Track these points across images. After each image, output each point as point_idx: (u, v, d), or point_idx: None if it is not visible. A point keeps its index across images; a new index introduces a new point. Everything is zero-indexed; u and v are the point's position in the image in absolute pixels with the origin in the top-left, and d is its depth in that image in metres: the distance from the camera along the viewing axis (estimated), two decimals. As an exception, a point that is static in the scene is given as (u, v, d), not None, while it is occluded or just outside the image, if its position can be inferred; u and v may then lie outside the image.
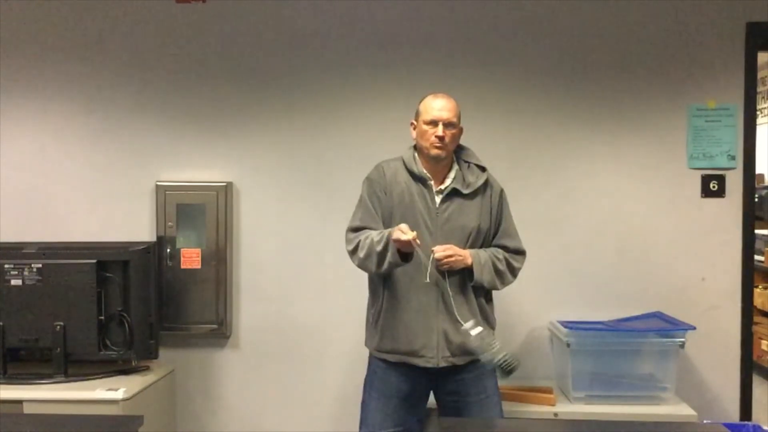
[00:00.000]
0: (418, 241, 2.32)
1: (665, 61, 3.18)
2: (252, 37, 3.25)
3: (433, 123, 2.48)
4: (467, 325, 2.40)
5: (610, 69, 3.19)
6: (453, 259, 2.43)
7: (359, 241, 2.48)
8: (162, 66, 3.26)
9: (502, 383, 2.65)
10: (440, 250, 2.43)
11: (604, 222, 3.21)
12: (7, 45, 3.26)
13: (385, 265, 2.40)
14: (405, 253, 2.38)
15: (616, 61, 3.19)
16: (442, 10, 3.20)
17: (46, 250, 2.89)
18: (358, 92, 3.24)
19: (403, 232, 2.31)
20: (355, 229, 2.55)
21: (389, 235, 2.37)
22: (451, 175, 2.55)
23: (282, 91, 3.25)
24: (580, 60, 3.20)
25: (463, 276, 2.48)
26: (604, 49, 3.19)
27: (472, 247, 2.52)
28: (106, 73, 3.26)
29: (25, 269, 2.83)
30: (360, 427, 2.61)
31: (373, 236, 2.44)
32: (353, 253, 2.51)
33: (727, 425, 2.18)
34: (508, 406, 2.71)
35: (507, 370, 2.39)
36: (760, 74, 3.80)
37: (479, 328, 2.39)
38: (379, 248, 2.40)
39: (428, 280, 2.43)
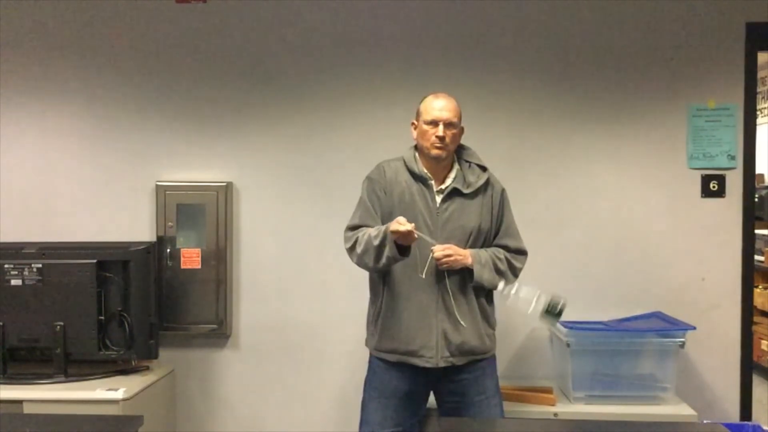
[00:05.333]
0: (415, 234, 2.33)
1: (665, 61, 3.18)
2: (252, 37, 3.25)
3: (434, 123, 2.48)
4: (500, 289, 2.41)
5: (611, 69, 3.19)
6: (452, 258, 2.43)
7: (357, 238, 2.48)
8: (162, 66, 3.26)
9: (503, 381, 2.65)
10: (440, 250, 2.43)
11: (604, 222, 3.20)
12: (7, 45, 3.26)
13: (383, 260, 2.39)
14: (403, 247, 2.37)
15: (617, 61, 3.19)
16: (442, 10, 3.20)
17: (46, 250, 2.89)
18: (358, 92, 3.24)
19: (401, 224, 2.31)
20: (353, 228, 2.55)
21: (387, 229, 2.37)
22: (452, 174, 2.55)
23: (282, 91, 3.25)
24: (580, 60, 3.20)
25: (463, 276, 2.48)
26: (604, 49, 3.19)
27: (472, 246, 2.52)
28: (106, 73, 3.26)
29: (25, 269, 2.83)
30: (360, 427, 2.60)
31: (371, 232, 2.44)
32: (351, 250, 2.51)
33: (727, 425, 2.18)
34: (508, 406, 2.71)
35: (555, 314, 2.38)
36: (760, 74, 3.80)
37: (511, 288, 2.40)
38: (376, 242, 2.39)
39: (422, 275, 2.43)
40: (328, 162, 3.25)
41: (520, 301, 2.40)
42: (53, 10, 3.25)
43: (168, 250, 3.20)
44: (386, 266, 2.44)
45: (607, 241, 3.20)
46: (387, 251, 2.37)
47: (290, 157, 3.26)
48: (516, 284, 2.42)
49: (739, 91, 3.17)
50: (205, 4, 3.23)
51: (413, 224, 2.32)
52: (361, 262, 2.49)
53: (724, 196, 3.17)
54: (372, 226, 2.50)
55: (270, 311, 3.27)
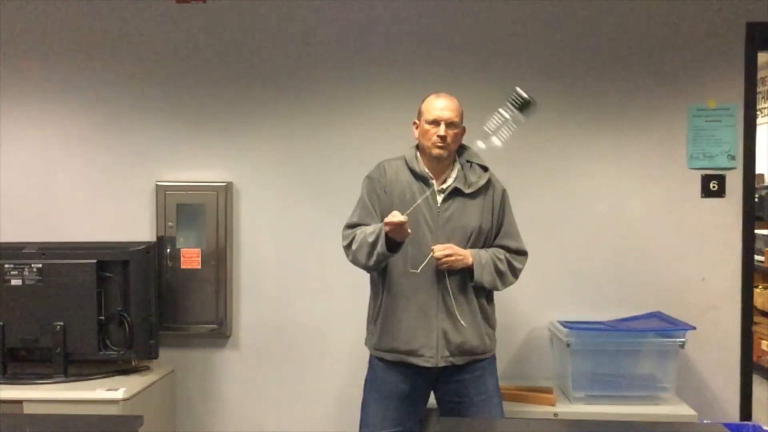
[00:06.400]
0: (408, 227, 2.32)
1: (665, 61, 3.18)
2: (252, 37, 3.25)
3: (435, 123, 2.48)
4: (482, 147, 2.44)
5: (611, 69, 3.19)
6: (452, 258, 2.43)
7: (354, 235, 2.49)
8: (162, 66, 3.26)
9: (503, 381, 2.65)
10: (440, 250, 2.43)
11: (605, 222, 3.21)
12: (7, 45, 3.26)
13: (374, 257, 2.40)
14: (394, 244, 2.37)
15: (617, 61, 3.19)
16: (442, 10, 3.20)
17: (46, 250, 2.89)
18: (358, 92, 3.24)
19: (395, 216, 2.30)
20: (352, 226, 2.55)
21: (382, 227, 2.37)
22: (453, 174, 2.55)
23: (282, 91, 3.25)
24: (580, 60, 3.20)
25: (463, 275, 2.48)
26: (604, 49, 3.19)
27: (473, 247, 2.51)
28: (106, 73, 3.26)
29: (25, 269, 2.83)
30: (360, 427, 2.60)
31: (367, 229, 2.45)
32: (348, 247, 2.52)
33: (727, 425, 2.18)
34: (508, 406, 2.71)
35: (526, 102, 2.37)
36: (760, 74, 3.80)
37: (488, 140, 2.39)
38: (371, 239, 2.40)
39: (417, 271, 2.43)
40: (328, 162, 3.24)
41: (502, 134, 2.37)
42: (53, 10, 3.25)
43: (168, 250, 3.20)
44: (377, 263, 2.43)
45: (607, 241, 3.20)
46: (378, 247, 2.37)
47: (290, 157, 3.26)
48: (488, 132, 2.40)
49: (739, 91, 3.17)
50: (205, 4, 3.23)
51: (406, 216, 2.31)
52: (355, 260, 2.50)
53: (724, 196, 3.17)
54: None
55: (270, 311, 3.27)
